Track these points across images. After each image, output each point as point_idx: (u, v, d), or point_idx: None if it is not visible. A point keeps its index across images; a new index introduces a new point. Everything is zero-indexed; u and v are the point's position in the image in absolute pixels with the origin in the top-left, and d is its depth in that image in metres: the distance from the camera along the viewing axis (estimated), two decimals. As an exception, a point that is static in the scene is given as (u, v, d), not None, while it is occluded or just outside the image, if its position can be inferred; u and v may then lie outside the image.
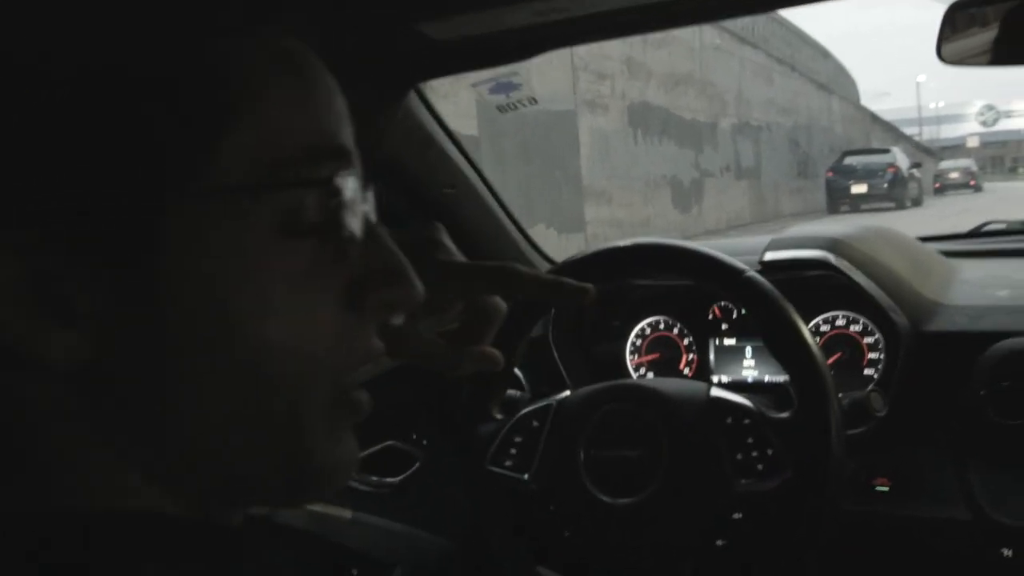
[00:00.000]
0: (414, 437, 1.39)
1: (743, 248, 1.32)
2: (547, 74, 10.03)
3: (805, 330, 0.97)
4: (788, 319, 0.98)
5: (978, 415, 1.10)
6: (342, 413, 0.42)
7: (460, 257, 0.63)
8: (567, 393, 1.14)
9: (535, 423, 1.11)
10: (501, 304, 0.60)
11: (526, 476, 1.09)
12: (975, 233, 1.70)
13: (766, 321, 1.01)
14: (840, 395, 1.16)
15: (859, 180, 17.46)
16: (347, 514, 1.26)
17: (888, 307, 1.18)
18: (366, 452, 1.34)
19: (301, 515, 1.21)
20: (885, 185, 17.33)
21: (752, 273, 1.02)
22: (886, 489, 1.16)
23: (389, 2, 0.94)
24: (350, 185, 0.40)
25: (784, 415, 0.99)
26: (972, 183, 27.29)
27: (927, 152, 32.15)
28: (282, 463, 0.40)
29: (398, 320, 0.45)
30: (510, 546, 1.11)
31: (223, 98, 0.37)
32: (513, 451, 1.10)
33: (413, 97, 1.29)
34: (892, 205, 17.04)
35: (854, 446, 1.17)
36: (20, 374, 0.36)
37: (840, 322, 1.32)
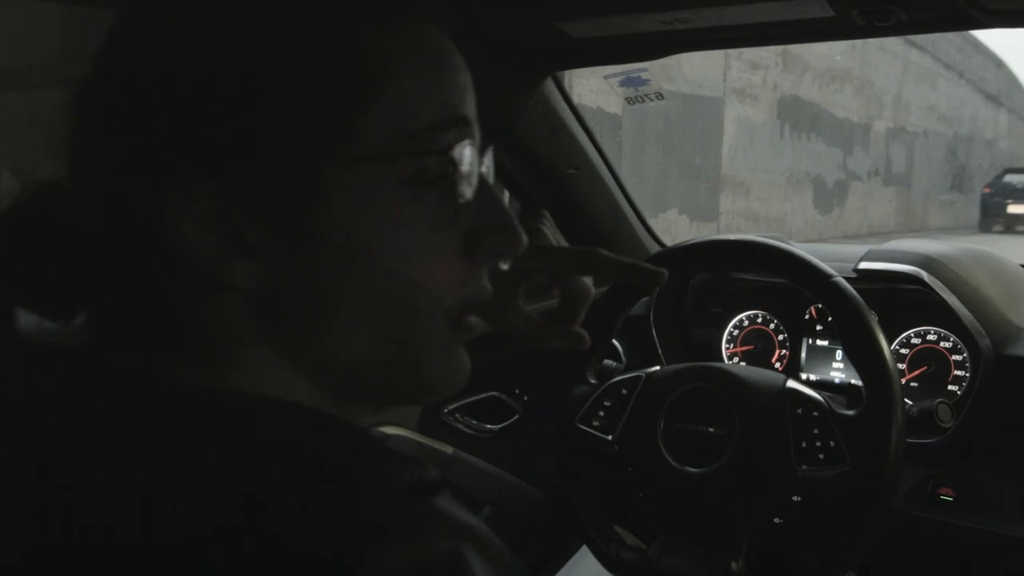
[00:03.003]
0: (516, 392, 1.52)
1: (843, 255, 1.39)
2: (698, 60, 9.91)
3: (880, 337, 1.05)
4: (866, 325, 1.06)
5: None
6: (456, 333, 0.51)
7: (558, 242, 0.74)
8: (657, 368, 1.25)
9: (624, 391, 1.22)
10: (590, 287, 0.69)
11: (610, 437, 1.20)
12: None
13: (846, 324, 1.09)
14: (911, 403, 1.23)
15: (1019, 200, 16.47)
16: (449, 450, 1.41)
17: (972, 327, 1.23)
18: (472, 399, 1.48)
19: (409, 445, 1.36)
20: (1046, 209, 16.31)
21: (839, 278, 1.10)
22: (951, 499, 1.22)
23: (535, 5, 1.06)
24: (468, 151, 0.49)
25: (851, 412, 1.07)
26: None
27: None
28: (406, 369, 0.50)
29: (505, 266, 0.54)
30: (590, 500, 1.23)
31: (369, 80, 0.45)
32: (601, 414, 1.22)
33: (549, 84, 1.40)
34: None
35: (925, 455, 1.24)
36: (211, 292, 0.46)
37: (931, 337, 1.37)
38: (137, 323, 0.48)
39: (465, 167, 0.48)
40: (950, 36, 17.79)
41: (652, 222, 1.73)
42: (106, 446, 0.42)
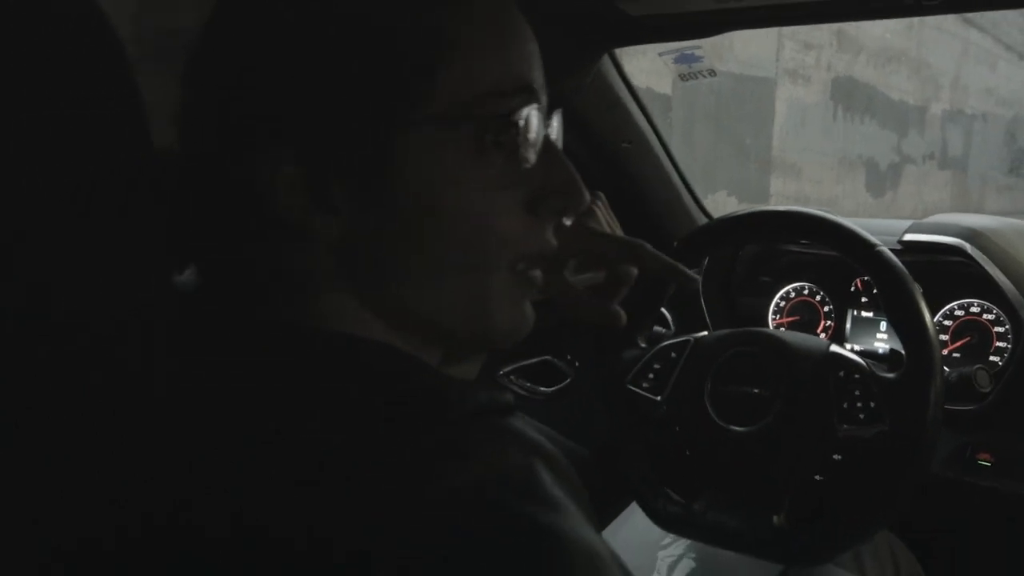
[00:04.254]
0: (568, 357, 1.59)
1: (890, 229, 1.43)
2: (750, 39, 9.80)
3: (922, 304, 1.09)
4: (908, 292, 1.10)
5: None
6: (522, 286, 0.56)
7: (610, 225, 0.80)
8: (705, 333, 1.30)
9: (673, 354, 1.27)
10: (632, 273, 0.76)
11: (659, 398, 1.26)
12: None
13: (888, 292, 1.13)
14: (950, 370, 1.28)
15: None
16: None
17: (1015, 299, 1.27)
18: (526, 362, 1.55)
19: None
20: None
21: (883, 247, 1.14)
22: (989, 464, 1.26)
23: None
24: (533, 116, 0.52)
25: (892, 375, 1.12)
26: None
27: None
28: (474, 317, 0.54)
29: (568, 220, 0.58)
30: (639, 459, 1.29)
31: (438, 49, 0.48)
32: (651, 376, 1.28)
33: (606, 61, 1.46)
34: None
35: (965, 422, 1.28)
36: (295, 243, 0.50)
37: (974, 309, 1.41)
38: (239, 274, 0.53)
39: (531, 131, 0.51)
40: (1011, 16, 17.34)
41: (703, 202, 1.78)
42: (233, 384, 0.46)
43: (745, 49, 9.68)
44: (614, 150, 1.57)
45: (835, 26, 11.37)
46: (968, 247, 1.30)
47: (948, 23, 14.37)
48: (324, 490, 0.41)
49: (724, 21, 1.28)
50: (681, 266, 0.75)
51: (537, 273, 0.56)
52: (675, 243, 1.30)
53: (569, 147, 1.57)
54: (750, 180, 9.91)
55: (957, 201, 15.07)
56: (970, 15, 14.94)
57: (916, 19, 13.23)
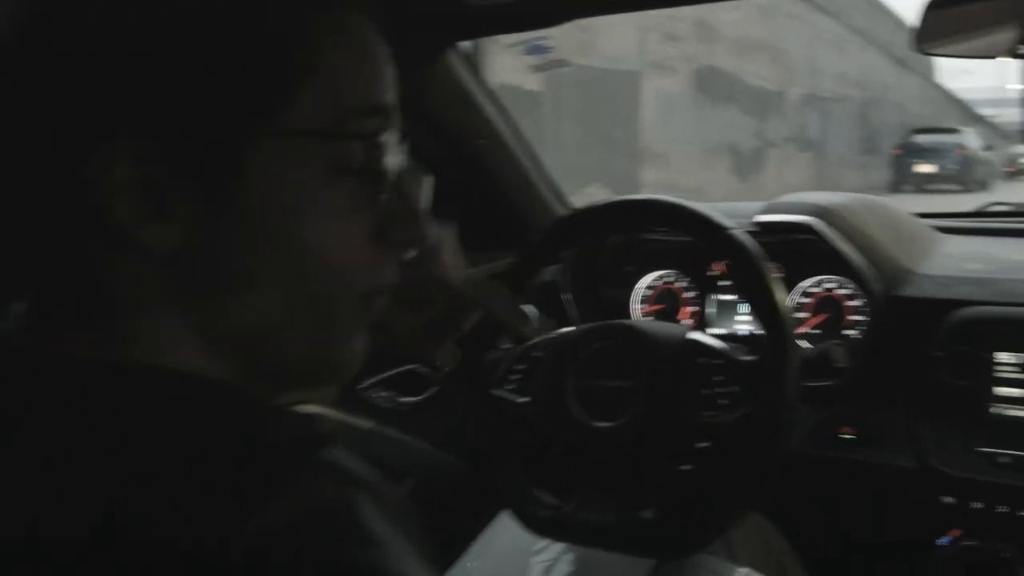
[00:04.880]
0: (435, 364, 1.53)
1: (746, 211, 1.43)
2: (614, 33, 10.00)
3: (775, 284, 1.09)
4: (761, 273, 1.09)
5: (933, 375, 1.22)
6: (360, 317, 0.53)
7: (457, 259, 0.77)
8: (567, 329, 1.27)
9: (536, 353, 1.24)
10: (473, 314, 0.76)
11: (524, 400, 1.23)
12: (979, 212, 1.78)
13: (742, 274, 1.12)
14: (810, 347, 1.29)
15: (925, 160, 16.98)
16: (367, 424, 1.42)
17: (864, 272, 1.29)
18: (390, 373, 1.49)
19: (325, 422, 1.36)
20: (951, 166, 16.84)
21: (734, 229, 1.14)
22: (852, 438, 1.28)
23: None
24: (389, 140, 0.51)
25: (751, 358, 1.11)
26: (1048, 169, 26.49)
27: (1004, 135, 31.19)
28: (312, 346, 0.51)
29: (412, 254, 0.56)
30: (508, 465, 1.25)
31: (299, 63, 0.46)
32: (515, 377, 1.24)
33: (454, 56, 1.41)
34: (957, 187, 16.58)
35: (826, 397, 1.30)
36: (123, 258, 0.46)
37: (830, 285, 1.43)
38: (56, 297, 0.48)
39: (385, 155, 0.50)
40: (858, 2, 18.26)
41: (575, 197, 1.75)
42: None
43: (610, 43, 9.86)
44: (469, 146, 1.53)
45: (696, 18, 11.72)
46: (818, 224, 1.32)
47: (800, 10, 15.01)
48: (121, 543, 0.38)
49: (569, 9, 1.25)
50: (526, 315, 0.76)
51: (377, 305, 0.54)
52: (533, 238, 1.27)
53: (421, 144, 1.53)
54: (621, 172, 10.10)
55: (818, 180, 15.75)
56: (821, 2, 15.65)
57: (770, 8, 13.76)
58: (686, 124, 11.71)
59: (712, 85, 12.36)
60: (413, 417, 1.51)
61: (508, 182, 1.62)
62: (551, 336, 1.24)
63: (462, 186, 1.57)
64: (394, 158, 0.51)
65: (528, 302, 1.44)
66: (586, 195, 8.69)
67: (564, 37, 8.68)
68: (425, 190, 0.55)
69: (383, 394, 1.49)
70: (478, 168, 1.56)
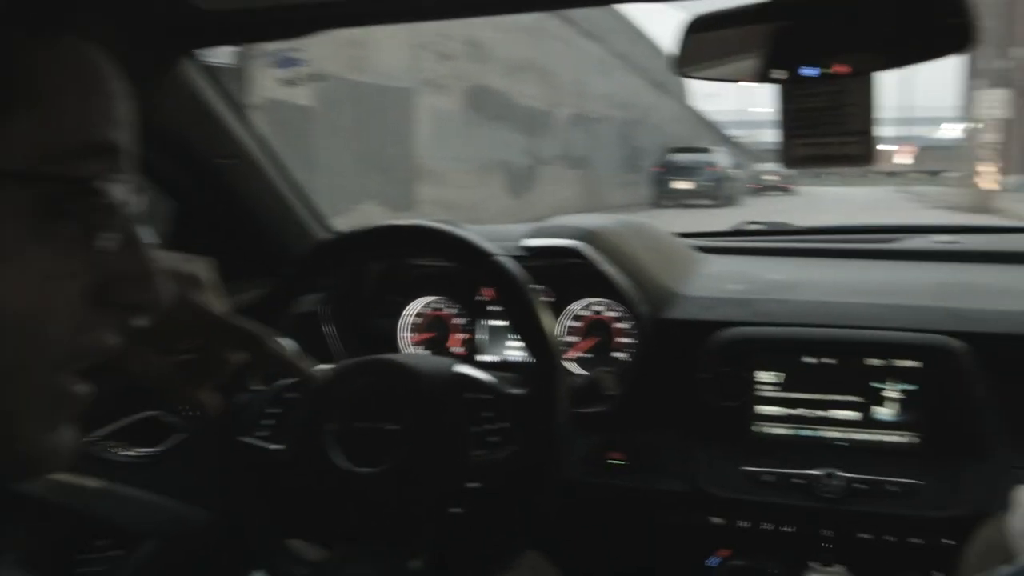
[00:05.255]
0: (178, 408, 1.38)
1: (514, 234, 1.39)
2: (388, 50, 9.93)
3: (540, 311, 1.04)
4: (527, 301, 1.04)
5: (700, 397, 1.22)
6: (60, 404, 0.43)
7: (220, 294, 0.66)
8: (327, 366, 1.17)
9: (292, 395, 1.13)
10: (234, 361, 0.66)
11: (278, 447, 1.11)
12: (735, 232, 1.85)
13: (508, 301, 1.07)
14: (581, 373, 1.26)
15: (682, 177, 18.24)
16: (94, 484, 1.24)
17: (630, 295, 1.27)
18: (123, 423, 1.32)
19: (44, 484, 1.18)
20: (706, 183, 18.16)
21: (500, 256, 1.08)
22: (622, 463, 1.25)
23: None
24: (115, 186, 0.43)
25: (520, 391, 1.06)
26: (785, 186, 29.14)
27: (749, 154, 33.97)
28: None
29: (141, 322, 0.47)
30: (261, 519, 1.13)
31: (11, 88, 0.40)
32: (267, 422, 1.12)
33: (193, 68, 1.27)
34: (711, 202, 17.86)
35: (596, 424, 1.27)
36: None
37: (598, 308, 1.41)
38: None
39: (109, 201, 0.43)
40: (620, 27, 19.27)
41: (348, 216, 1.65)
42: None
43: (383, 60, 9.77)
44: (214, 167, 1.38)
45: (468, 36, 11.89)
46: (584, 248, 1.29)
47: (567, 34, 15.61)
48: None
49: (316, 17, 1.15)
50: (302, 364, 0.69)
51: (85, 388, 0.44)
52: (289, 265, 1.16)
53: (157, 168, 1.36)
54: (396, 190, 10.03)
55: (586, 198, 16.44)
56: (587, 25, 16.37)
57: (538, 30, 14.21)
58: (460, 142, 11.83)
59: (485, 104, 12.57)
60: (154, 470, 1.34)
61: (260, 204, 1.48)
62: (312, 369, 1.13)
63: (209, 211, 1.42)
64: (122, 205, 0.43)
65: (284, 336, 1.32)
66: (361, 213, 8.57)
67: (334, 52, 8.52)
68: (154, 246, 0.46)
69: (118, 447, 1.32)
70: (225, 190, 1.42)
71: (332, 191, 7.42)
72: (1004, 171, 18.49)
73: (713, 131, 31.40)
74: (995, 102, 16.69)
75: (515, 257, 1.11)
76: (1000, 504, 0.85)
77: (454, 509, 1.06)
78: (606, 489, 1.25)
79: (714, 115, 34.05)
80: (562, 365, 1.04)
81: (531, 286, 1.06)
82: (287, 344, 1.37)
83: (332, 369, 1.15)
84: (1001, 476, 1.02)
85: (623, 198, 18.62)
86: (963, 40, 0.82)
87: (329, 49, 7.85)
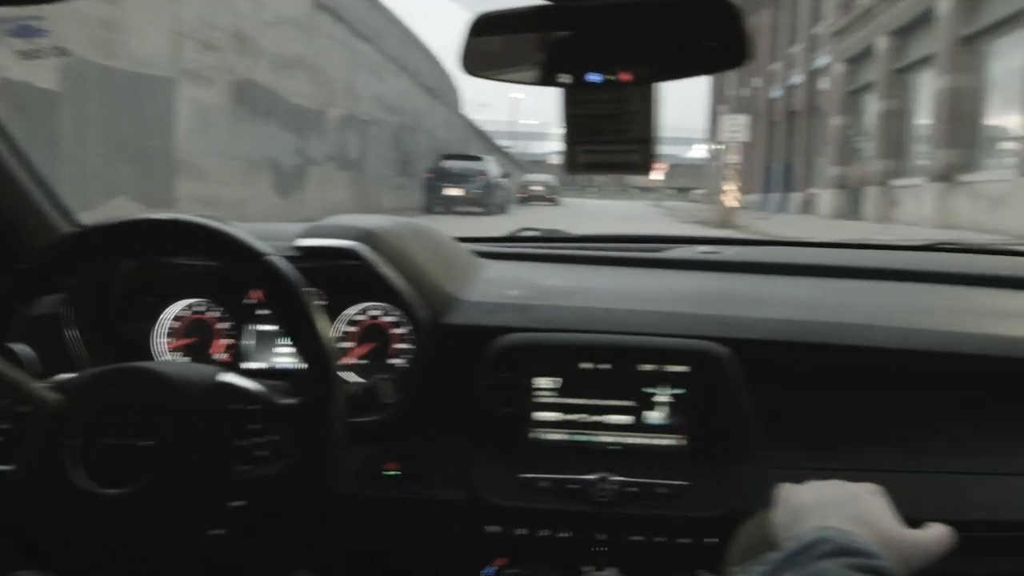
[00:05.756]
0: None
1: (286, 234, 1.31)
2: (147, 35, 9.31)
3: (315, 316, 0.98)
4: (299, 303, 0.98)
5: (480, 403, 1.20)
6: None
7: None
8: (69, 376, 1.04)
9: (22, 409, 0.99)
10: None
11: (9, 468, 0.97)
12: (512, 238, 1.86)
13: (280, 304, 1.00)
14: (358, 382, 1.20)
15: (453, 183, 18.46)
16: None
17: (410, 299, 1.23)
18: None
19: None
20: (476, 190, 18.48)
21: (272, 256, 1.01)
22: (398, 474, 1.21)
23: None
24: None
25: (292, 401, 0.99)
26: (551, 196, 30.32)
27: (517, 164, 34.98)
28: None
29: None
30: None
31: None
32: (-4, 440, 0.98)
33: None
34: (481, 210, 18.19)
35: (370, 433, 1.21)
36: None
37: (375, 312, 1.36)
38: None
39: None
40: (393, 31, 19.22)
41: (99, 211, 1.48)
42: None
43: (140, 45, 9.15)
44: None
45: (235, 28, 11.38)
46: (362, 249, 1.24)
47: (339, 32, 15.35)
48: None
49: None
50: (35, 388, 0.57)
51: None
52: (25, 261, 1.02)
53: None
54: (153, 185, 9.41)
55: (357, 199, 16.25)
56: (359, 25, 16.18)
57: (310, 26, 13.89)
58: (226, 137, 11.30)
59: (252, 99, 12.09)
60: None
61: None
62: (44, 385, 1.00)
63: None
64: None
65: (19, 341, 1.17)
66: (112, 208, 7.96)
67: (81, 32, 7.85)
68: None
69: None
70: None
71: (81, 184, 6.83)
72: (744, 190, 20.17)
73: (484, 140, 32.05)
74: (737, 126, 18.12)
75: (287, 257, 1.04)
76: (762, 501, 0.88)
77: (215, 531, 0.97)
78: (381, 501, 1.20)
79: (485, 125, 34.80)
80: (337, 372, 0.98)
81: (305, 288, 1.00)
82: (21, 350, 1.22)
83: (74, 378, 1.03)
84: (763, 475, 1.07)
85: (395, 202, 18.56)
86: (737, 57, 0.85)
87: (75, 29, 7.21)
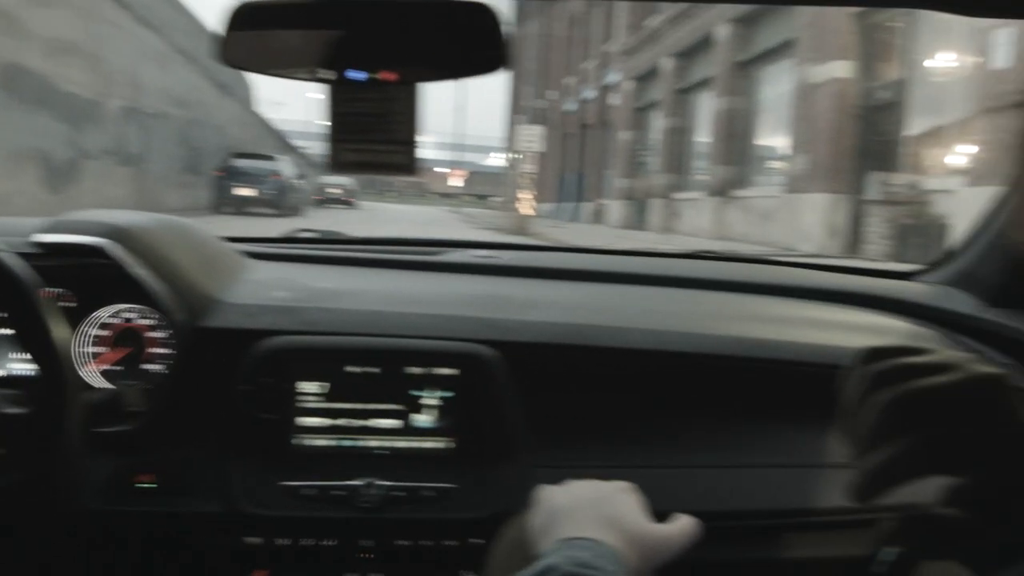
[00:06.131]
0: None
1: (19, 228, 1.21)
2: None
3: (46, 318, 0.90)
4: (30, 305, 0.90)
5: (240, 410, 1.15)
6: None
7: None
8: None
9: None
10: None
11: None
12: (287, 238, 1.80)
13: (9, 307, 0.91)
14: (107, 387, 1.12)
15: (245, 183, 17.73)
16: None
17: (165, 300, 1.16)
18: None
19: None
20: (269, 191, 17.85)
21: (1, 253, 0.92)
22: (152, 486, 1.14)
23: None
24: None
25: (20, 411, 0.91)
26: (348, 199, 29.93)
27: (314, 166, 34.24)
28: None
29: None
30: None
31: None
32: None
33: None
34: (273, 212, 17.60)
35: (120, 443, 1.13)
36: None
37: (129, 315, 1.27)
38: None
39: None
40: (181, 21, 18.29)
41: None
42: None
43: None
44: None
45: (-3, 6, 10.45)
46: (111, 247, 1.15)
47: (122, 19, 14.44)
48: None
49: None
50: None
51: None
52: None
53: None
54: None
55: (138, 197, 15.32)
56: (144, 12, 15.28)
57: (89, 10, 12.98)
58: (-13, 125, 10.36)
59: (19, 85, 11.15)
60: None
61: None
62: None
63: None
64: None
65: None
66: None
67: None
68: None
69: None
70: None
71: None
72: (539, 199, 20.76)
73: (278, 139, 31.12)
74: (533, 136, 18.58)
75: (22, 254, 0.95)
76: (527, 502, 0.90)
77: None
78: (134, 516, 1.12)
79: (280, 123, 33.83)
80: (74, 378, 0.91)
81: (38, 288, 0.92)
82: None
83: None
84: (525, 476, 1.09)
85: (180, 200, 17.65)
86: (496, 62, 0.86)
87: None
